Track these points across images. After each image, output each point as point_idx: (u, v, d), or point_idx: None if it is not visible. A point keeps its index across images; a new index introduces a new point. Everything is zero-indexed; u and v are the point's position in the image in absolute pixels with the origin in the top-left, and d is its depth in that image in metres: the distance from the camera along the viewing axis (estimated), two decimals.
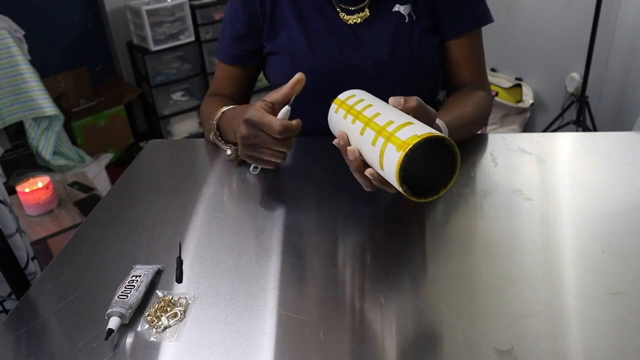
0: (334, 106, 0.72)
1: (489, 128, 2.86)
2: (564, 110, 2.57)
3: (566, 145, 0.90)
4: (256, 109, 0.72)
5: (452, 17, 0.92)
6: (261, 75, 1.06)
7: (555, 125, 2.62)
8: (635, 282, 0.58)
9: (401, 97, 0.64)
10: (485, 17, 0.94)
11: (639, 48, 2.34)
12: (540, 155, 0.85)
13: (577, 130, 2.49)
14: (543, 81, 2.81)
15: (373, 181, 0.63)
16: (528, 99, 2.79)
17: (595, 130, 2.49)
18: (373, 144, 0.60)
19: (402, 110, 0.64)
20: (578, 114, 2.48)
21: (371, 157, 0.62)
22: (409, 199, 0.58)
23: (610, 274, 0.59)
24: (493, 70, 2.98)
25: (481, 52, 0.97)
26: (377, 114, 0.63)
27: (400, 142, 0.56)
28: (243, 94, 1.04)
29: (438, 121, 0.76)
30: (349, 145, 0.65)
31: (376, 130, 0.60)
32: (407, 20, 0.90)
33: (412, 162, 0.56)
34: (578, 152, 0.87)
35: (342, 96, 0.72)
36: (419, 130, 0.56)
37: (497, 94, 2.83)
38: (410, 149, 0.54)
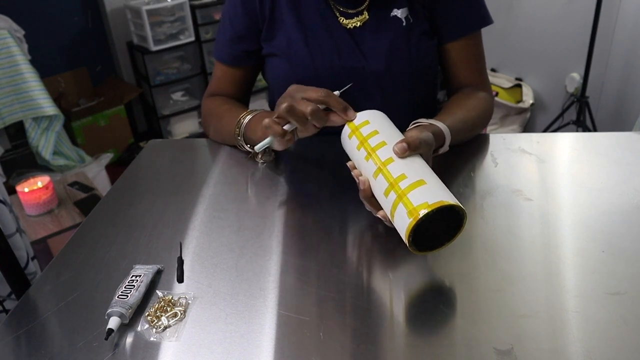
0: (347, 129, 0.71)
1: (489, 128, 2.85)
2: (564, 111, 2.58)
3: (566, 146, 0.90)
4: None
5: (451, 19, 0.92)
6: (259, 77, 1.06)
7: (555, 126, 2.62)
8: (635, 282, 0.58)
9: (403, 142, 0.63)
10: (484, 19, 0.94)
11: (639, 48, 2.34)
12: (540, 155, 0.85)
13: (577, 131, 2.49)
14: (543, 81, 2.81)
15: (385, 222, 0.65)
16: (528, 99, 2.79)
17: (595, 130, 2.49)
18: (385, 195, 0.61)
19: (407, 155, 0.63)
20: (578, 114, 2.48)
21: (382, 203, 0.63)
22: (413, 253, 0.60)
23: (610, 274, 0.60)
24: (493, 70, 2.98)
25: (481, 53, 0.97)
26: (390, 160, 0.63)
27: (411, 208, 0.57)
28: (243, 95, 1.04)
29: (440, 125, 0.76)
30: (361, 175, 0.67)
31: (389, 182, 0.61)
32: (404, 24, 0.90)
33: (421, 226, 0.57)
34: (578, 152, 0.87)
35: (357, 120, 0.71)
36: (430, 196, 0.57)
37: (497, 94, 2.83)
38: (420, 218, 0.56)
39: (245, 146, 0.87)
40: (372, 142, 0.67)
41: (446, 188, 0.60)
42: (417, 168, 0.62)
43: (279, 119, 0.73)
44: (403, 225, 0.58)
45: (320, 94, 0.71)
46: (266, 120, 0.73)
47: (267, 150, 0.89)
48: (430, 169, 0.63)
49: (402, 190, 0.59)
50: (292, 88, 0.74)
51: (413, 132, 0.67)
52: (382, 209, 0.64)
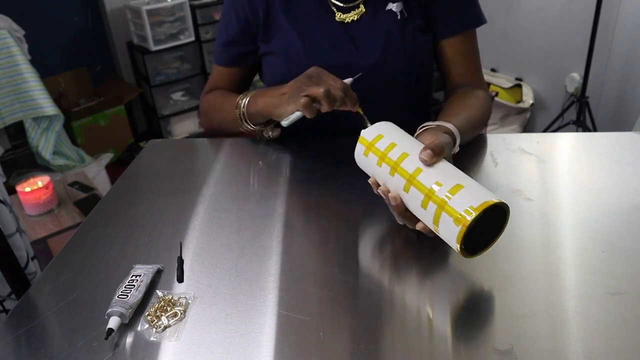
0: (361, 147, 0.69)
1: (489, 128, 2.86)
2: (564, 111, 2.58)
3: (566, 146, 0.90)
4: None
5: (445, 16, 0.93)
6: (257, 77, 1.06)
7: (555, 126, 2.62)
8: (635, 282, 0.58)
9: (427, 150, 0.62)
10: (478, 19, 0.96)
11: (639, 48, 2.34)
12: (540, 155, 0.85)
13: (577, 131, 2.49)
14: (543, 81, 2.81)
15: (425, 233, 0.63)
16: (528, 99, 2.79)
17: (595, 130, 2.49)
18: (424, 206, 0.60)
19: (434, 161, 0.62)
20: (578, 114, 2.48)
21: (421, 216, 0.61)
22: (464, 257, 0.59)
23: (610, 274, 0.59)
24: (493, 70, 2.98)
25: (476, 52, 0.98)
26: (419, 170, 0.61)
27: (457, 215, 0.56)
28: (240, 92, 1.04)
29: (450, 126, 0.75)
30: (389, 191, 0.65)
31: (424, 193, 0.60)
32: (399, 18, 0.91)
33: (472, 230, 0.56)
34: (578, 152, 0.87)
35: (369, 136, 0.68)
36: (473, 198, 0.56)
37: (497, 94, 2.83)
38: (470, 223, 0.55)
39: (249, 125, 0.91)
40: (392, 155, 0.64)
41: (483, 186, 0.59)
42: (449, 173, 0.60)
43: (310, 98, 0.77)
44: (452, 234, 0.56)
45: (340, 85, 0.77)
46: (304, 100, 0.76)
47: (272, 126, 0.93)
48: (459, 170, 0.62)
49: (442, 199, 0.58)
50: (315, 71, 0.79)
51: (429, 137, 0.66)
52: (419, 221, 0.62)
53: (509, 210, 0.58)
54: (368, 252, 0.67)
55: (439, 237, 0.61)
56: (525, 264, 0.62)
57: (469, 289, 0.60)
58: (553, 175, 0.81)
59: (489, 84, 2.87)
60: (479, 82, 0.97)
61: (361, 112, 0.76)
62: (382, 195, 0.65)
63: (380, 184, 0.66)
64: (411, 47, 0.91)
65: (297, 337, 0.54)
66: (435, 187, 0.59)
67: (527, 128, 2.88)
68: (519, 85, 2.83)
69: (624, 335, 0.52)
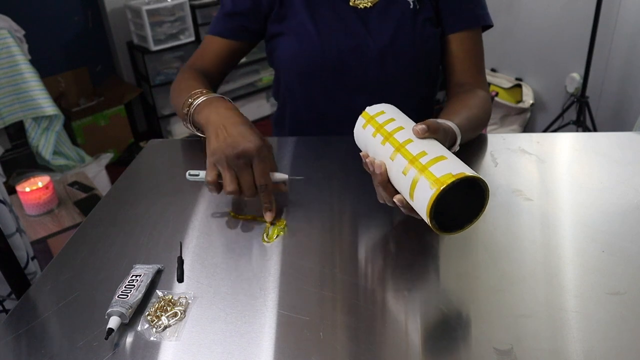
0: (361, 120, 0.71)
1: (489, 128, 2.86)
2: (564, 111, 2.58)
3: (566, 146, 0.90)
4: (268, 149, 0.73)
5: (453, 11, 0.95)
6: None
7: (555, 126, 2.62)
8: (635, 282, 0.58)
9: (422, 125, 0.63)
10: (484, 19, 0.97)
11: (639, 48, 2.34)
12: (540, 155, 0.85)
13: (577, 131, 2.49)
14: (543, 81, 2.81)
15: (401, 208, 0.63)
16: (528, 99, 2.79)
17: (595, 130, 2.49)
18: (404, 172, 0.60)
19: (427, 136, 0.63)
20: (578, 114, 2.48)
21: (400, 184, 0.62)
22: (435, 232, 0.58)
23: (610, 274, 0.60)
24: (493, 70, 2.98)
25: (480, 53, 0.98)
26: (409, 140, 0.62)
27: (434, 179, 0.56)
28: (221, 71, 1.02)
29: (450, 123, 0.76)
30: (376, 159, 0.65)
31: (408, 159, 0.60)
32: (411, 7, 0.93)
33: (444, 199, 0.56)
34: (578, 152, 0.87)
35: (371, 111, 0.70)
36: (454, 167, 0.57)
37: (497, 94, 2.83)
38: (444, 188, 0.55)
39: (195, 130, 0.84)
40: (388, 127, 0.66)
41: (468, 166, 0.59)
42: (437, 147, 0.61)
43: (215, 174, 0.72)
44: (425, 199, 0.56)
45: (262, 183, 0.71)
46: (209, 179, 0.72)
47: None
48: (449, 151, 0.62)
49: (424, 165, 0.58)
50: (250, 152, 0.70)
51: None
52: (398, 193, 0.63)
53: (487, 191, 0.58)
54: (368, 252, 0.67)
55: (425, 225, 0.60)
56: (525, 264, 0.62)
57: (469, 288, 0.60)
58: (553, 175, 0.81)
59: (488, 84, 2.87)
60: (480, 83, 0.97)
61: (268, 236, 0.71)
62: (369, 166, 0.66)
63: (370, 155, 0.67)
64: (420, 35, 0.93)
65: (297, 336, 0.54)
66: (420, 155, 0.60)
67: (527, 128, 2.88)
68: (519, 85, 2.83)
69: (624, 335, 0.52)
